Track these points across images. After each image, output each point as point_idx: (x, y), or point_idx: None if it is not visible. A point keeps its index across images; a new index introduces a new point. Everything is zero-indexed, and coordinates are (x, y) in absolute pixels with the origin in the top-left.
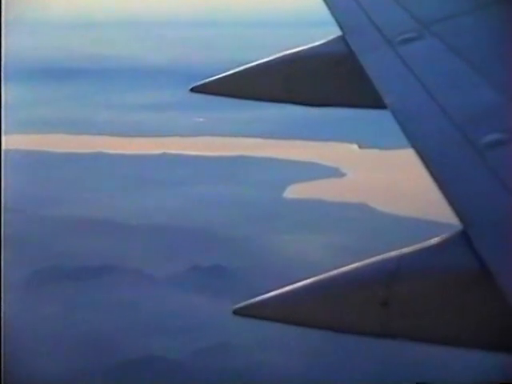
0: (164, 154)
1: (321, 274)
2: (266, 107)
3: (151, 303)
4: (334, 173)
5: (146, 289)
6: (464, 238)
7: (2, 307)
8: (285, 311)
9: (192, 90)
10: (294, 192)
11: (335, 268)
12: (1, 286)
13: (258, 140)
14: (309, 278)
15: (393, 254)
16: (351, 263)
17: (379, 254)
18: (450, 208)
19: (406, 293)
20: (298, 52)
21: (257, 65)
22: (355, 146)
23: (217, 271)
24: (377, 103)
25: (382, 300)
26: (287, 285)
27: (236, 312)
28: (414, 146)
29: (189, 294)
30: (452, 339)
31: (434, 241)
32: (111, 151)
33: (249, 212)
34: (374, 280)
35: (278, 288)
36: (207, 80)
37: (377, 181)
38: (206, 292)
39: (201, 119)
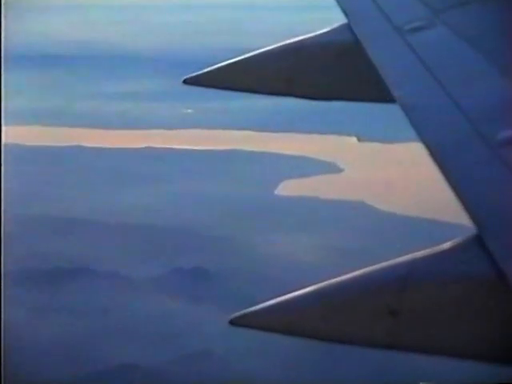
0: (147, 148)
1: (319, 279)
2: (259, 97)
3: (127, 308)
4: (331, 168)
5: (122, 292)
6: (478, 241)
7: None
8: (286, 321)
9: (185, 82)
10: (286, 189)
11: (337, 274)
12: (1, 286)
13: (249, 133)
14: (303, 283)
15: (403, 259)
16: (347, 266)
17: (378, 257)
18: (463, 209)
19: (417, 301)
20: (299, 41)
21: (255, 55)
22: (354, 139)
23: (199, 274)
24: (384, 97)
25: (391, 309)
26: (285, 292)
27: (232, 322)
28: (424, 142)
29: (168, 298)
30: (467, 352)
31: (447, 245)
32: (90, 144)
33: (236, 210)
34: (382, 287)
35: (269, 294)
36: (201, 71)
37: (376, 177)
38: (186, 296)
39: (189, 110)
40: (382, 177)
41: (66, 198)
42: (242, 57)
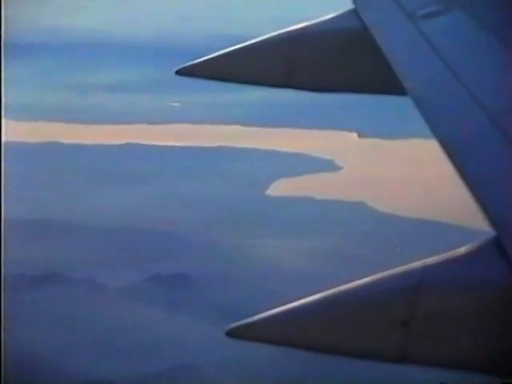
0: (129, 144)
1: (309, 288)
2: (251, 89)
3: (102, 318)
4: (328, 166)
5: (96, 301)
6: (497, 246)
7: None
8: (287, 333)
9: (177, 73)
10: (279, 189)
11: (330, 282)
12: (1, 286)
13: (240, 128)
14: (291, 292)
15: (414, 265)
16: (341, 274)
17: (377, 264)
18: (481, 211)
19: (430, 311)
20: (300, 29)
21: (253, 44)
22: (354, 135)
23: (179, 281)
24: (394, 89)
25: (402, 319)
26: (272, 302)
27: (229, 334)
28: (437, 138)
29: (145, 307)
30: (485, 365)
31: (462, 250)
32: (67, 141)
33: (223, 213)
34: (392, 297)
35: (255, 302)
36: (195, 61)
37: (377, 175)
38: (164, 305)
39: (175, 103)
40: (383, 175)
41: (40, 199)
42: (239, 46)
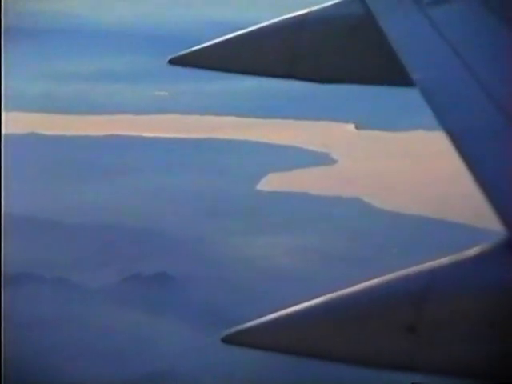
0: (111, 136)
1: (300, 289)
2: (243, 77)
3: (77, 320)
4: (323, 159)
5: (71, 303)
6: (509, 247)
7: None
8: (287, 339)
9: (170, 62)
10: (270, 183)
11: (324, 283)
12: (1, 286)
13: (231, 118)
14: (279, 294)
15: (421, 268)
16: (335, 274)
17: (374, 264)
18: (491, 209)
19: (439, 315)
20: (302, 15)
21: (252, 31)
22: (351, 127)
23: (161, 281)
24: (401, 79)
25: (409, 325)
26: (260, 304)
27: (225, 340)
28: (447, 132)
29: (124, 309)
30: (498, 374)
31: (472, 251)
32: (47, 132)
33: (211, 209)
34: (399, 300)
35: (242, 305)
36: (189, 50)
37: (375, 170)
38: (144, 307)
39: (161, 92)
40: (381, 170)
41: (14, 193)
42: (236, 33)
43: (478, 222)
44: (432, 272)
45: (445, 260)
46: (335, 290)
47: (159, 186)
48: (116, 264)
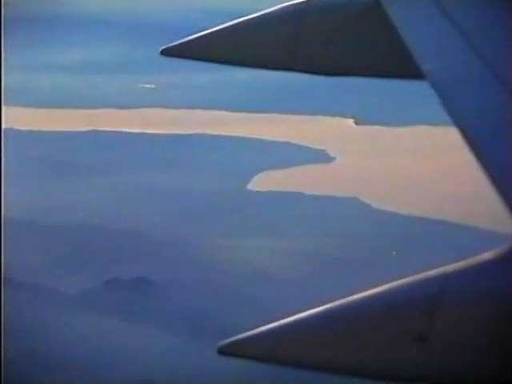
0: (93, 132)
1: (287, 294)
2: (234, 69)
3: (52, 328)
4: (319, 157)
5: (46, 309)
6: None
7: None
8: (288, 350)
9: (162, 53)
10: (262, 182)
11: (314, 289)
12: (1, 286)
13: (221, 113)
14: (266, 299)
15: (431, 273)
16: (326, 280)
17: (371, 269)
18: (505, 208)
19: (450, 324)
20: (305, 3)
21: (251, 20)
22: (350, 122)
23: (141, 286)
24: (410, 71)
25: (418, 334)
26: (245, 311)
27: (221, 351)
28: (459, 127)
29: (102, 315)
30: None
31: (486, 256)
32: (24, 127)
33: (197, 209)
34: (408, 308)
35: (226, 310)
36: (182, 40)
37: (375, 168)
38: (123, 314)
39: (147, 85)
40: (381, 168)
41: None
42: (233, 22)
43: (481, 223)
44: (443, 278)
45: (456, 265)
46: (327, 297)
47: (142, 184)
48: (94, 268)
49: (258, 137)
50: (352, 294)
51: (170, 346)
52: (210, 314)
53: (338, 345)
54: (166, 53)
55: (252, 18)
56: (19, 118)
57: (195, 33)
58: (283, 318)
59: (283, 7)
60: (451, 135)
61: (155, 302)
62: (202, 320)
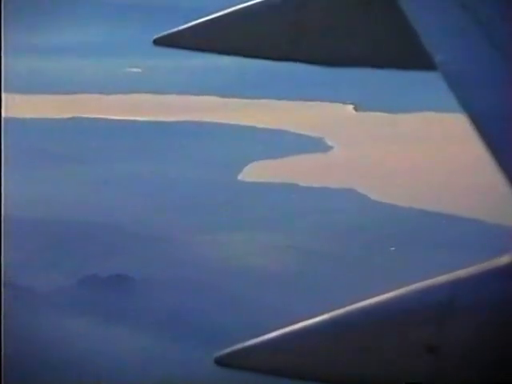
0: (75, 119)
1: (275, 291)
2: None
3: (24, 327)
4: (316, 145)
5: (19, 307)
6: None
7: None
8: (290, 361)
9: (155, 42)
10: (255, 173)
11: (305, 287)
12: (1, 288)
13: (212, 99)
14: (251, 298)
15: (443, 279)
16: (316, 277)
17: (367, 267)
18: None
19: (461, 333)
20: None
21: (250, 6)
22: (349, 108)
23: (118, 283)
24: (420, 62)
25: (430, 344)
26: (229, 310)
27: (218, 361)
28: (472, 120)
29: (76, 314)
30: None
31: (502, 260)
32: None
33: (182, 201)
34: (418, 317)
35: (209, 310)
36: (178, 28)
37: (374, 157)
38: (99, 313)
39: (134, 69)
40: (381, 157)
41: None
42: (232, 9)
43: (488, 217)
44: (454, 285)
45: (468, 270)
46: (315, 296)
47: (124, 175)
48: (69, 264)
49: (251, 124)
50: (345, 294)
51: (147, 348)
52: (191, 314)
53: (343, 354)
54: (160, 42)
55: (250, 5)
56: None
57: (186, 13)
58: (283, 327)
59: None
60: (457, 122)
61: (133, 300)
62: (182, 320)
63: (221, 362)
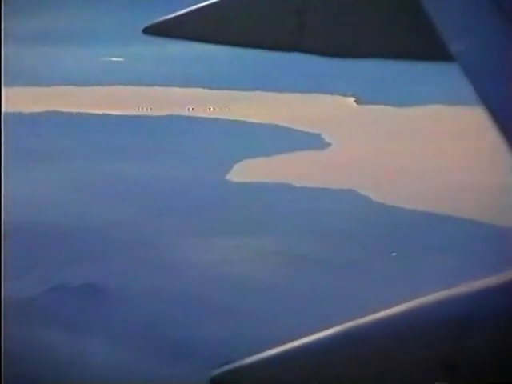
0: (48, 113)
1: (265, 302)
2: None
3: None
4: (313, 142)
5: None
6: None
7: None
8: (293, 379)
9: (145, 31)
10: (244, 172)
11: (298, 295)
12: (1, 289)
13: (199, 91)
14: (236, 309)
15: (460, 290)
16: (309, 286)
17: (366, 276)
18: None
19: (481, 351)
20: None
21: None
22: (350, 101)
23: (89, 293)
24: (436, 53)
25: (448, 363)
26: (210, 321)
27: (214, 380)
28: (492, 115)
29: (44, 326)
30: None
31: None
32: None
33: (165, 203)
34: (433, 333)
35: (187, 322)
36: (170, 16)
37: (376, 155)
38: (68, 324)
39: (114, 58)
40: (384, 155)
41: None
42: None
43: (499, 220)
44: (474, 296)
45: (490, 280)
46: (306, 305)
47: (102, 174)
48: (40, 271)
49: (241, 118)
50: (343, 305)
51: (120, 364)
52: (171, 327)
53: (351, 373)
54: (150, 31)
55: None
56: None
57: (185, 3)
58: (287, 342)
59: None
60: (468, 117)
61: (106, 312)
62: (159, 331)
63: (216, 381)
